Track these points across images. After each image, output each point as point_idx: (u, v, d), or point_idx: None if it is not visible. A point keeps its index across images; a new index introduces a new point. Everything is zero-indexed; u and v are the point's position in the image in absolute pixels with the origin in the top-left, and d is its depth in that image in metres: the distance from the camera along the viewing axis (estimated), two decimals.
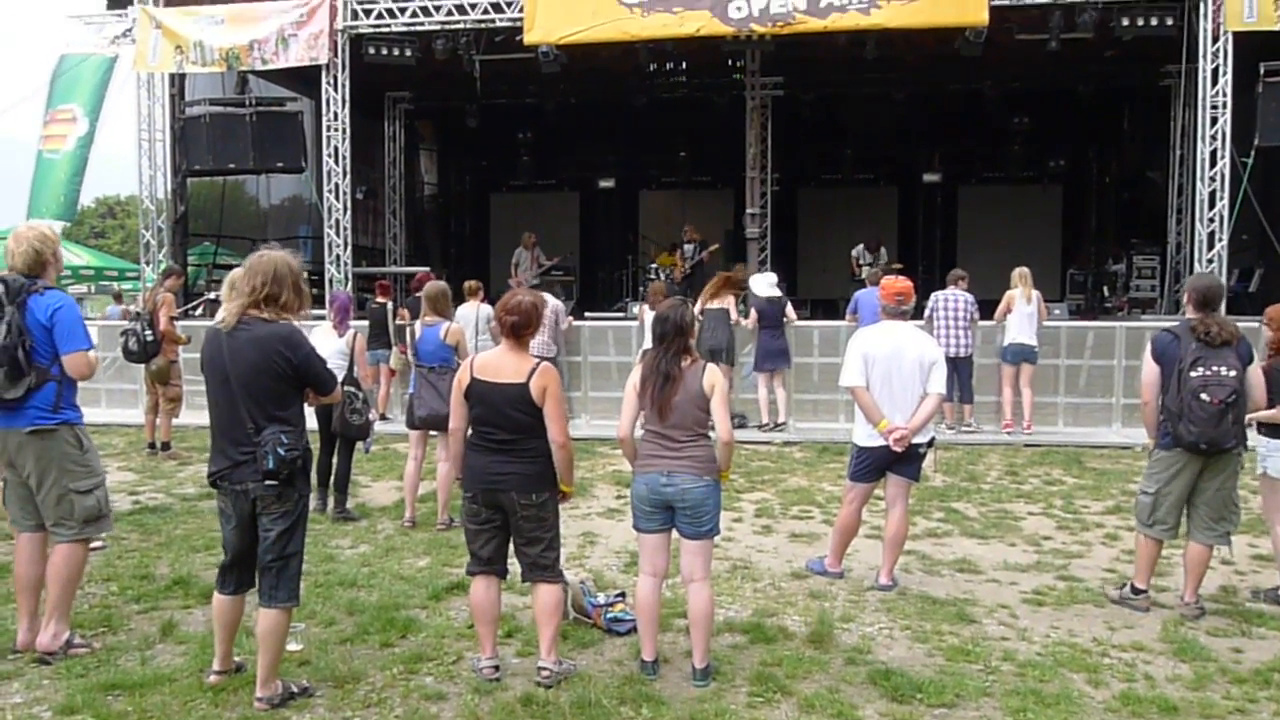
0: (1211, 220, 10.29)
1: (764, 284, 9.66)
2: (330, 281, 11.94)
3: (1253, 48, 10.21)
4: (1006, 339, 9.34)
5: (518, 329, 3.77)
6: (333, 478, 6.31)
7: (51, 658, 3.89)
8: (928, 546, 5.72)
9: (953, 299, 9.27)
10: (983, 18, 10.22)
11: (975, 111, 15.40)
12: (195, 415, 8.73)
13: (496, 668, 3.79)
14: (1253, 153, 10.15)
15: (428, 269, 13.06)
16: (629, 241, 17.39)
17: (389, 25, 11.68)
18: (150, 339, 7.95)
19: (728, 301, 9.61)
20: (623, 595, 4.50)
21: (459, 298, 8.87)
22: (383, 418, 9.76)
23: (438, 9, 11.49)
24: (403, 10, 11.59)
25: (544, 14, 10.97)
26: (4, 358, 3.77)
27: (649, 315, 8.55)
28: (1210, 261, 10.23)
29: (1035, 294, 9.31)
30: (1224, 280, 10.24)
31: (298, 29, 11.62)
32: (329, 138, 11.91)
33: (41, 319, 3.84)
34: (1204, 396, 4.31)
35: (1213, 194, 10.27)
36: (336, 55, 11.66)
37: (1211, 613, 4.60)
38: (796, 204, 17.33)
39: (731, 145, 13.74)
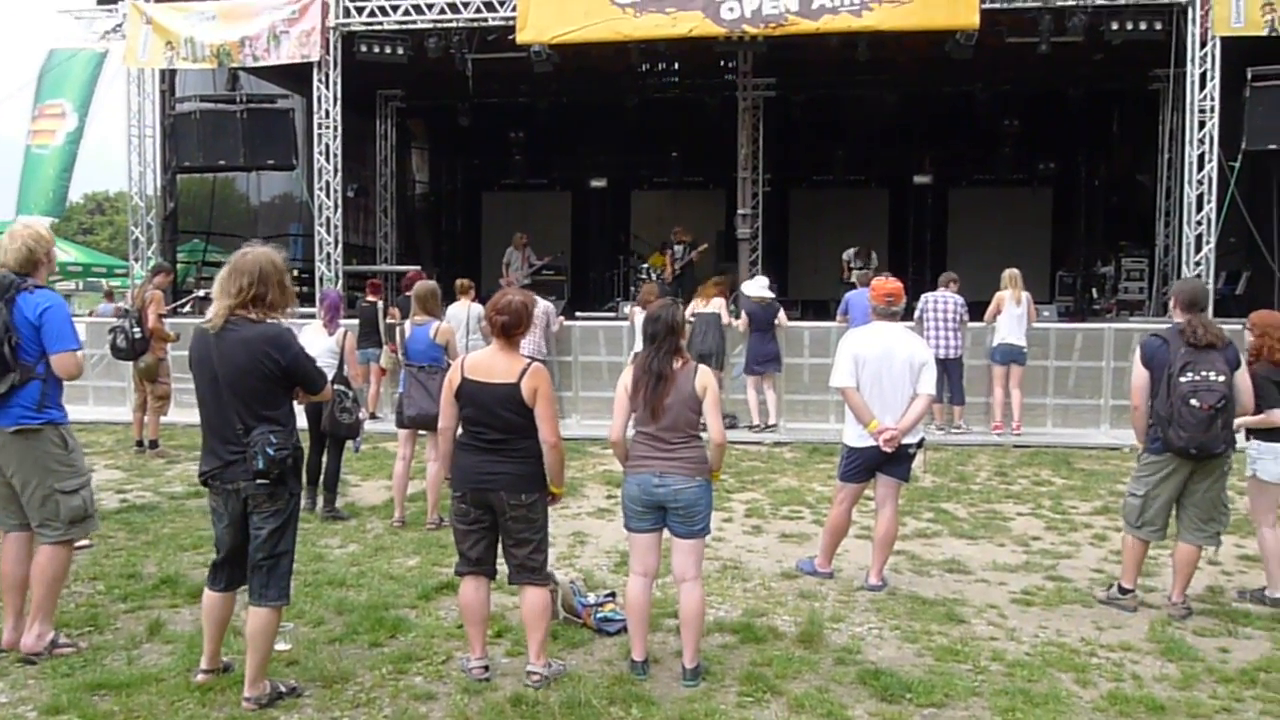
0: (1199, 223, 10.36)
1: (756, 287, 9.69)
2: (321, 279, 11.90)
3: (1240, 52, 10.29)
4: (995, 340, 9.39)
5: (508, 328, 3.76)
6: (322, 477, 6.28)
7: (36, 658, 3.86)
8: (917, 547, 5.74)
9: (943, 300, 9.31)
10: (973, 20, 10.27)
11: (966, 114, 15.46)
12: (183, 413, 8.69)
13: (486, 668, 3.79)
14: (1240, 156, 10.22)
15: (418, 268, 13.05)
16: (620, 241, 17.38)
17: (381, 23, 11.64)
18: (139, 336, 7.91)
19: (718, 304, 9.63)
20: (613, 595, 4.50)
21: (450, 297, 8.85)
22: (373, 416, 9.72)
23: (430, 7, 11.46)
24: (395, 8, 11.55)
25: (536, 13, 10.95)
26: None
27: (640, 316, 8.56)
28: (1198, 264, 10.31)
29: (1025, 295, 9.36)
30: (1211, 283, 10.32)
31: (289, 26, 11.57)
32: (320, 135, 11.87)
33: (30, 317, 3.81)
34: (1194, 402, 4.34)
35: (1200, 197, 10.35)
36: (328, 53, 11.62)
37: (1198, 613, 4.63)
38: (788, 205, 17.36)
39: (723, 146, 13.74)
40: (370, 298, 10.64)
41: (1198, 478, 4.55)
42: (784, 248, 16.90)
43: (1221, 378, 4.38)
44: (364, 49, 11.71)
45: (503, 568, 3.86)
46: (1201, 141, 10.29)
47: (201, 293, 11.47)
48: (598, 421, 9.42)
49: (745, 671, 3.85)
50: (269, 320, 3.46)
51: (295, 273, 14.94)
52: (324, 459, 6.27)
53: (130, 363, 8.38)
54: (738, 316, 9.84)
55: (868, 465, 4.92)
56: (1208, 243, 10.32)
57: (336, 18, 11.56)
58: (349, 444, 6.30)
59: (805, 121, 15.12)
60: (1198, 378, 4.36)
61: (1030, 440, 9.18)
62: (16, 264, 3.87)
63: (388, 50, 11.77)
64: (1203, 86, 10.23)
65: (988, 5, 10.32)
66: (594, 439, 8.76)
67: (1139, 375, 4.61)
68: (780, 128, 13.91)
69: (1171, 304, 4.81)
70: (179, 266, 13.50)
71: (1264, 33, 9.97)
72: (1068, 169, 17.25)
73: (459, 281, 9.18)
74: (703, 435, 3.87)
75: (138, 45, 11.88)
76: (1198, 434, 4.35)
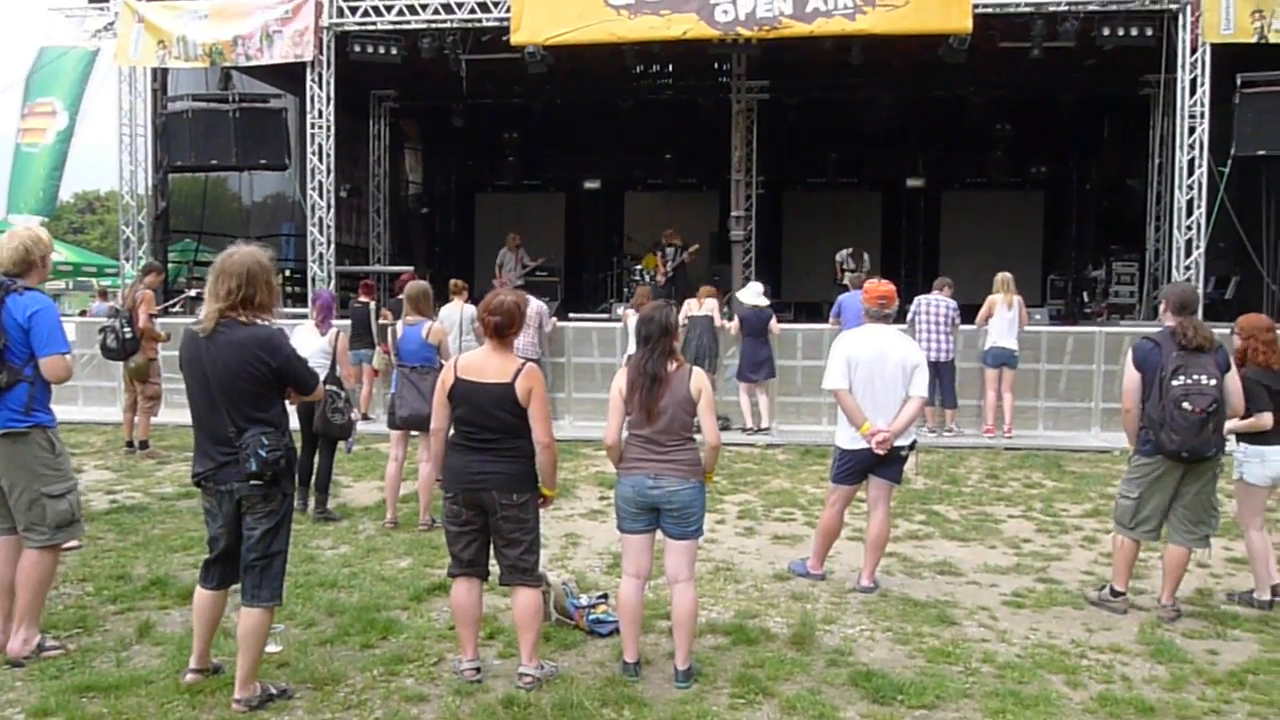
0: (1189, 228, 10.43)
1: (751, 293, 9.69)
2: (313, 280, 11.86)
3: (1230, 59, 10.36)
4: (987, 343, 9.43)
5: (501, 329, 3.76)
6: (314, 478, 6.26)
7: (24, 662, 3.83)
8: (909, 549, 5.75)
9: (935, 303, 9.35)
10: (967, 25, 10.31)
11: (958, 118, 15.53)
12: (174, 414, 8.66)
13: (478, 669, 3.78)
14: (1229, 162, 10.30)
15: (411, 269, 13.01)
16: (614, 243, 17.39)
17: (374, 23, 11.61)
18: (129, 336, 7.87)
19: (711, 305, 9.63)
20: (605, 597, 4.50)
21: (443, 297, 8.84)
22: (365, 417, 9.70)
23: (424, 7, 11.44)
24: (389, 8, 11.52)
25: (530, 14, 10.95)
26: None
27: (633, 318, 8.56)
28: (1188, 269, 10.38)
29: (1017, 299, 9.40)
30: (1201, 287, 10.38)
31: (282, 25, 11.53)
32: (313, 135, 11.83)
33: (19, 319, 3.79)
34: (1186, 405, 4.35)
35: (1190, 202, 10.41)
36: (321, 52, 11.58)
37: (1188, 615, 4.65)
38: (781, 207, 17.39)
39: (717, 148, 13.77)
40: (363, 298, 10.61)
41: (1188, 480, 4.57)
42: (777, 250, 16.94)
43: (1213, 381, 4.40)
44: (357, 49, 11.67)
45: (495, 569, 3.85)
46: (1191, 147, 10.36)
47: (193, 292, 11.41)
48: (591, 423, 9.41)
49: (737, 673, 3.85)
50: (259, 322, 3.45)
51: (287, 273, 14.96)
52: (316, 460, 6.25)
53: (121, 363, 8.33)
54: (730, 319, 9.85)
55: (860, 467, 4.93)
56: (1197, 247, 10.38)
57: (330, 17, 11.53)
58: (341, 445, 6.28)
59: (799, 124, 15.16)
60: (1189, 381, 4.38)
61: (1021, 443, 9.21)
62: (10, 264, 3.85)
63: (381, 50, 11.74)
64: (1193, 92, 10.30)
65: (981, 10, 10.37)
66: (587, 440, 8.75)
67: (1131, 378, 4.63)
68: (774, 130, 13.94)
69: (1163, 307, 4.84)
70: (170, 266, 13.43)
71: (1253, 40, 10.05)
72: (1059, 173, 17.35)
73: (452, 282, 9.16)
74: (697, 437, 3.87)
75: (129, 44, 11.83)
76: (1189, 437, 4.37)
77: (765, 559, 5.52)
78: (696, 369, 3.92)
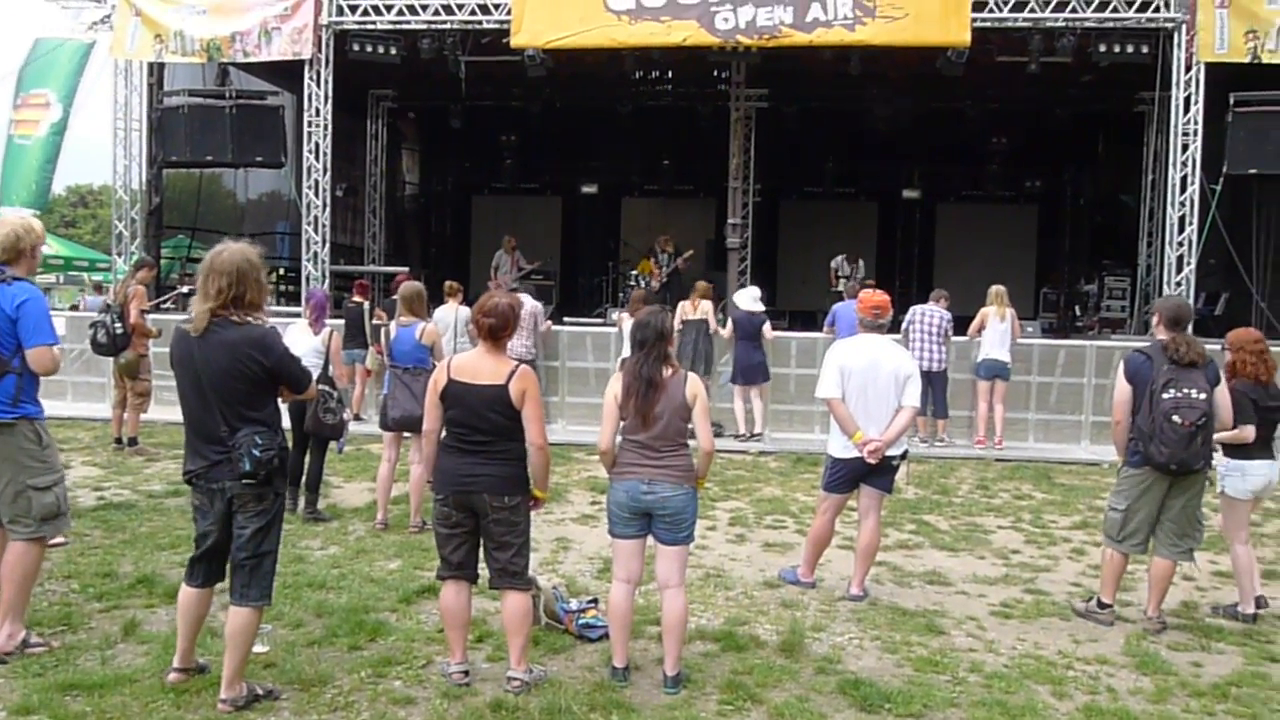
0: (1181, 244, 10.51)
1: (747, 299, 9.69)
2: (307, 279, 11.82)
3: (1224, 78, 10.46)
4: (980, 355, 9.47)
5: (495, 331, 3.75)
6: (305, 478, 6.23)
7: (7, 658, 3.80)
8: (899, 558, 5.76)
9: (929, 314, 9.39)
10: (965, 38, 10.38)
11: (955, 130, 15.60)
12: (163, 410, 8.59)
13: (466, 673, 3.77)
14: (1221, 180, 10.38)
15: (407, 269, 12.99)
16: (610, 248, 17.39)
17: (374, 23, 11.60)
18: (120, 332, 7.83)
19: (706, 310, 9.64)
20: (595, 601, 4.49)
21: (438, 299, 8.83)
22: (357, 418, 9.66)
23: (424, 8, 11.44)
24: (388, 8, 11.51)
25: (531, 17, 10.96)
26: None
27: (628, 323, 8.56)
28: (1179, 284, 10.45)
29: (1009, 311, 9.45)
30: (1191, 303, 10.45)
31: (281, 23, 11.51)
32: (310, 133, 11.81)
33: (7, 310, 3.76)
34: (1175, 419, 4.38)
35: (1182, 219, 10.49)
36: (320, 51, 11.56)
37: (1173, 627, 4.68)
38: (778, 215, 17.44)
39: (714, 155, 13.79)
40: (356, 298, 10.59)
41: (1176, 492, 4.60)
42: (773, 258, 16.98)
43: (1203, 395, 4.43)
44: (356, 48, 11.66)
45: (484, 572, 3.84)
46: (1184, 164, 10.45)
47: (185, 289, 11.35)
48: (584, 427, 9.41)
49: (726, 680, 3.85)
50: (251, 320, 3.43)
51: (282, 271, 14.92)
52: (306, 459, 6.22)
53: (110, 358, 8.28)
54: (725, 325, 9.86)
55: (852, 476, 4.94)
56: (1188, 264, 10.46)
57: (329, 16, 11.51)
58: (332, 445, 6.25)
59: (796, 133, 15.21)
60: (1180, 394, 4.41)
61: (1012, 455, 9.25)
62: (0, 251, 3.82)
63: (380, 50, 11.72)
64: (1187, 110, 10.39)
65: (979, 24, 10.44)
66: (580, 444, 8.74)
67: (1122, 390, 4.66)
68: (771, 139, 13.98)
69: (1155, 320, 4.85)
70: (163, 262, 13.38)
71: (1247, 59, 10.15)
72: (1054, 187, 17.45)
73: (447, 284, 9.16)
74: (690, 443, 3.87)
75: (126, 37, 11.79)
76: (1178, 450, 4.40)
77: (756, 566, 5.52)
78: (692, 374, 3.92)
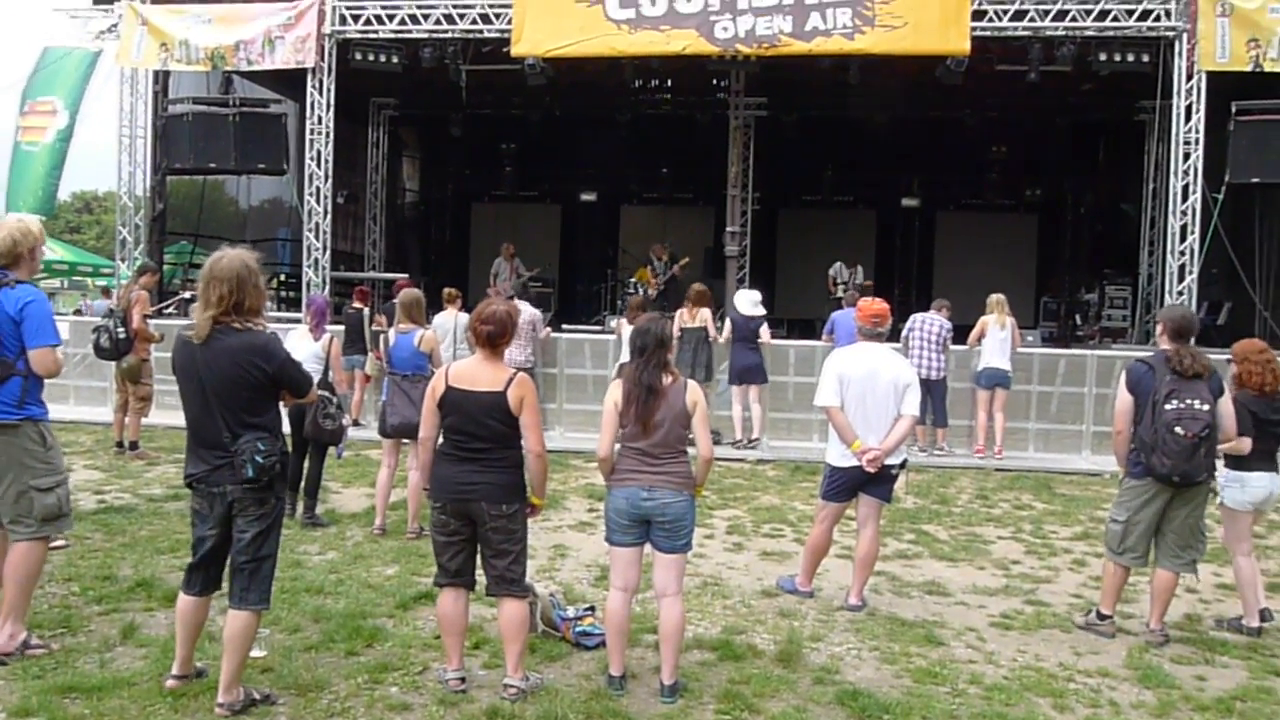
0: (1182, 253, 10.50)
1: (747, 302, 9.68)
2: (308, 285, 11.85)
3: (1226, 87, 10.48)
4: (980, 364, 9.46)
5: (493, 338, 3.76)
6: (303, 483, 6.23)
7: (7, 659, 3.80)
8: (897, 568, 5.75)
9: (929, 322, 9.39)
10: (964, 47, 10.40)
11: (954, 139, 15.64)
12: (165, 415, 8.62)
13: (463, 679, 3.76)
14: (1223, 189, 10.39)
15: (406, 276, 13.01)
16: (609, 255, 17.41)
17: (376, 32, 11.66)
18: (122, 336, 7.83)
19: (705, 318, 9.62)
20: (592, 609, 4.48)
21: (437, 305, 8.84)
22: (356, 423, 9.67)
23: (426, 18, 11.50)
24: (391, 17, 11.58)
25: (532, 27, 11.01)
26: None
27: (627, 330, 8.57)
28: (1181, 294, 10.44)
29: (1010, 320, 9.44)
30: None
31: (285, 31, 11.58)
32: (312, 141, 11.86)
33: (10, 313, 3.78)
34: (1178, 430, 4.35)
35: (1184, 228, 10.49)
36: (323, 59, 11.63)
37: (1176, 640, 4.65)
38: (776, 224, 17.46)
39: (713, 163, 13.82)
40: (356, 304, 10.61)
41: (1178, 504, 4.57)
42: (771, 266, 16.98)
43: (1206, 406, 4.40)
44: (358, 57, 11.73)
45: (481, 579, 3.84)
46: (1186, 173, 10.45)
47: (187, 294, 11.39)
48: (582, 434, 9.40)
49: (723, 689, 3.84)
50: (252, 326, 3.45)
51: (282, 277, 14.96)
52: (305, 465, 6.22)
53: (113, 363, 8.30)
54: (722, 330, 9.83)
55: (850, 485, 4.93)
56: (1190, 273, 10.45)
57: (332, 25, 11.58)
58: (331, 450, 6.25)
59: (795, 142, 15.25)
60: (1182, 405, 4.38)
61: (1012, 464, 9.22)
62: None
63: (382, 59, 11.79)
64: (1188, 119, 10.40)
65: (979, 33, 10.46)
66: (578, 451, 8.74)
67: (1123, 400, 4.64)
68: (770, 147, 14.02)
69: (1159, 330, 4.79)
70: (166, 268, 13.42)
71: (1248, 68, 10.16)
72: (1054, 196, 17.47)
73: (446, 290, 9.17)
74: (689, 450, 3.87)
75: (132, 46, 11.86)
76: (1181, 462, 4.37)
77: (753, 575, 5.51)
78: (692, 382, 3.93)
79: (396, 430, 6.03)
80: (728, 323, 9.75)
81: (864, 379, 4.81)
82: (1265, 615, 4.85)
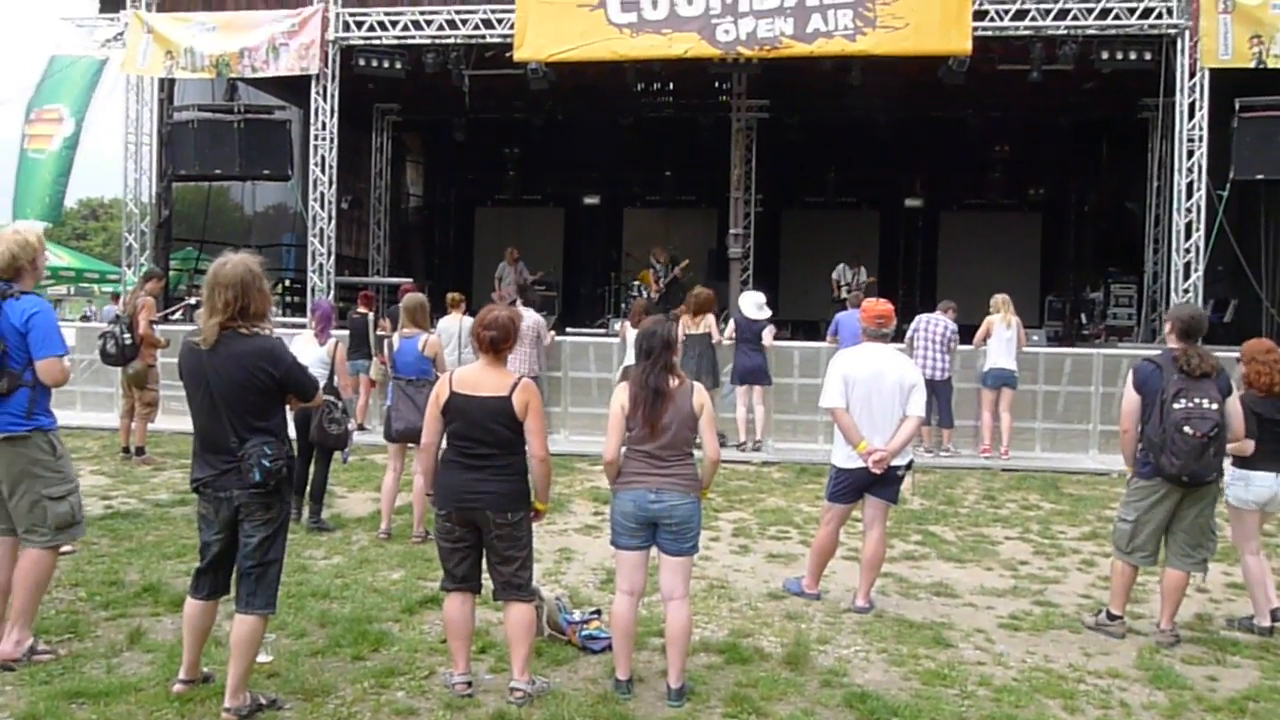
0: (1188, 251, 10.46)
1: (751, 305, 9.66)
2: (313, 290, 11.89)
3: (1229, 83, 10.44)
4: (987, 364, 9.42)
5: (496, 344, 3.76)
6: (309, 487, 6.24)
7: (15, 665, 3.81)
8: (905, 569, 5.72)
9: (934, 322, 9.36)
10: (966, 47, 10.39)
11: (957, 139, 15.61)
12: (171, 420, 8.64)
13: (469, 684, 3.76)
14: (1228, 185, 10.35)
15: (410, 280, 13.03)
16: (612, 258, 17.42)
17: (380, 38, 11.70)
18: (129, 342, 7.87)
19: (709, 323, 9.58)
20: (598, 613, 4.47)
21: (441, 309, 8.84)
22: (361, 428, 9.67)
23: (429, 24, 11.54)
24: (394, 24, 11.63)
25: (534, 32, 11.02)
26: None
27: (630, 333, 8.55)
28: (1186, 292, 10.40)
29: (1015, 320, 9.41)
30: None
31: (289, 38, 11.62)
32: (316, 147, 11.90)
33: (16, 324, 3.80)
34: (1187, 429, 4.32)
35: (1189, 225, 10.45)
36: (326, 66, 11.67)
37: (1187, 640, 4.62)
38: (779, 225, 17.44)
39: (716, 166, 13.83)
40: (361, 309, 10.62)
41: (1188, 503, 4.54)
42: (775, 268, 16.96)
43: (1214, 405, 4.37)
44: (362, 63, 11.77)
45: (488, 583, 3.83)
46: (1190, 170, 10.41)
47: (193, 300, 11.42)
48: (587, 437, 9.39)
49: (730, 692, 3.82)
50: (258, 331, 3.46)
51: (287, 283, 14.99)
52: (311, 470, 6.23)
53: (119, 368, 8.32)
54: (725, 332, 9.81)
55: (856, 486, 4.91)
56: (1196, 270, 10.41)
57: (336, 32, 11.63)
58: (337, 455, 6.26)
59: (798, 143, 15.24)
60: (1191, 405, 4.34)
61: (1018, 464, 9.19)
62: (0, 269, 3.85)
63: (385, 65, 11.83)
64: (1191, 116, 10.36)
65: (980, 32, 10.45)
66: (583, 455, 8.74)
67: (1130, 399, 4.61)
68: (773, 149, 14.01)
69: (1167, 329, 4.76)
70: (171, 274, 13.46)
71: (1251, 65, 10.12)
72: (1058, 195, 17.44)
73: (450, 295, 9.17)
74: (696, 452, 3.87)
75: (138, 54, 11.91)
76: (1190, 461, 4.34)
77: (760, 577, 5.49)
78: (698, 385, 3.92)
79: (401, 435, 6.03)
80: (730, 324, 9.74)
81: (869, 380, 4.80)
82: (1276, 615, 4.80)
